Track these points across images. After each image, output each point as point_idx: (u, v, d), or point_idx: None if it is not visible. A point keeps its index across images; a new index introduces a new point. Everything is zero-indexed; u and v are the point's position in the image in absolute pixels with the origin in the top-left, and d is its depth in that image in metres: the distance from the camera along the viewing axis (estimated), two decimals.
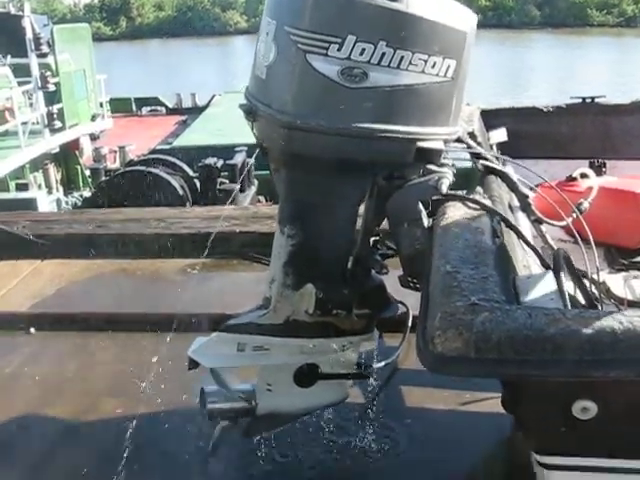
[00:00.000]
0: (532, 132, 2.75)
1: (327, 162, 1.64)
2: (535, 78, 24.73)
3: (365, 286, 1.92)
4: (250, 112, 1.67)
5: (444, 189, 1.73)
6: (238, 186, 7.41)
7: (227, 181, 7.51)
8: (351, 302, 1.90)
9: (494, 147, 2.58)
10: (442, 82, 1.63)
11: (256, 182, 8.14)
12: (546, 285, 1.32)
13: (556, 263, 1.39)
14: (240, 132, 8.36)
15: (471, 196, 1.72)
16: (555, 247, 1.64)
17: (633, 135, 2.67)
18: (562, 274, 1.34)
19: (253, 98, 1.67)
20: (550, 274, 1.36)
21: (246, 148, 7.94)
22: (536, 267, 1.59)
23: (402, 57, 1.55)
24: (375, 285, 1.95)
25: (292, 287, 1.86)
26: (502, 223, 1.55)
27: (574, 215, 1.97)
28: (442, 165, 1.76)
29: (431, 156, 1.70)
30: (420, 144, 1.66)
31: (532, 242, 1.58)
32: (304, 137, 1.59)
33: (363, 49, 1.53)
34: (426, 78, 1.60)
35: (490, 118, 2.72)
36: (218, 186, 7.37)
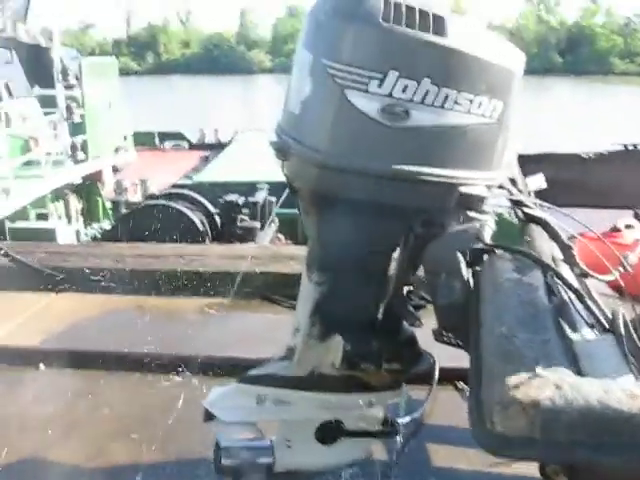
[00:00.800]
0: (571, 179, 2.61)
1: (362, 205, 1.52)
2: (557, 123, 24.56)
3: (396, 339, 1.78)
4: (281, 149, 1.56)
5: (486, 238, 1.62)
6: (259, 224, 7.34)
7: (247, 218, 7.43)
8: (381, 356, 1.76)
9: (532, 194, 2.46)
10: (488, 124, 1.51)
11: (277, 220, 8.08)
12: (607, 350, 1.18)
13: (616, 325, 1.25)
14: (262, 169, 8.35)
15: (518, 247, 1.59)
16: (604, 304, 1.51)
17: None
18: (624, 338, 1.20)
19: (285, 134, 1.56)
20: (611, 337, 1.22)
21: (267, 186, 7.88)
22: (587, 328, 1.45)
23: (447, 96, 1.44)
24: (406, 338, 1.82)
25: (318, 338, 1.72)
26: (555, 278, 1.41)
27: (621, 269, 1.84)
28: (483, 212, 1.64)
29: (473, 202, 1.58)
30: (463, 189, 1.54)
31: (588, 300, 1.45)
32: (338, 178, 1.48)
33: (406, 86, 1.42)
34: (471, 119, 1.49)
35: (527, 163, 2.59)
36: (239, 223, 7.30)
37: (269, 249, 4.24)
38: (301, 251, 3.86)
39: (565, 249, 1.79)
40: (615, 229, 2.11)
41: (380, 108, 1.43)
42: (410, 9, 1.41)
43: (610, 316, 1.31)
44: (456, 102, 1.45)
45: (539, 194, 2.56)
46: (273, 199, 7.83)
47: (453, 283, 1.59)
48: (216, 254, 3.93)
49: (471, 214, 1.61)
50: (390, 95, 1.42)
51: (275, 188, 7.66)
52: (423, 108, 1.44)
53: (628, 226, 2.13)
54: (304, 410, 1.79)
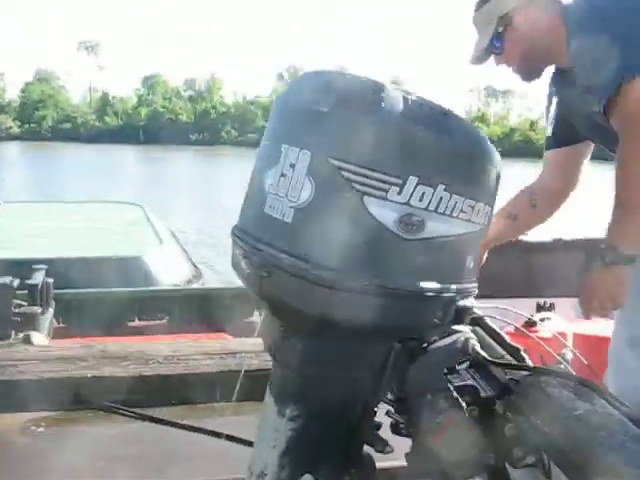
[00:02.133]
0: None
1: (361, 328, 1.31)
2: None
3: (363, 466, 1.56)
4: (265, 264, 1.29)
5: (474, 350, 1.50)
6: (39, 308, 6.49)
7: (25, 303, 6.54)
8: None
9: None
10: (482, 230, 1.41)
11: (53, 303, 7.24)
12: None
13: None
14: (33, 246, 7.50)
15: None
16: None
17: (560, 273, 2.68)
18: None
19: (266, 245, 1.30)
20: None
21: (45, 266, 7.06)
22: None
23: (455, 203, 1.31)
24: (370, 465, 1.60)
25: None
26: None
27: (562, 366, 1.83)
28: (464, 324, 1.52)
29: (465, 315, 1.45)
30: (462, 303, 1.40)
31: None
32: (346, 299, 1.25)
33: (423, 193, 1.26)
34: (472, 227, 1.37)
35: None
36: (14, 309, 6.38)
37: (93, 347, 3.68)
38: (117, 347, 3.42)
39: (514, 352, 1.73)
40: (530, 322, 2.12)
41: (398, 218, 1.24)
42: (431, 107, 1.26)
43: None
44: (462, 210, 1.33)
45: None
46: (51, 280, 7.03)
47: (439, 403, 1.44)
48: (33, 357, 3.31)
49: (456, 327, 1.48)
50: (408, 203, 1.25)
51: (53, 267, 6.90)
52: (437, 218, 1.29)
53: (542, 319, 2.15)
54: None
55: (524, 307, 2.24)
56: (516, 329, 2.12)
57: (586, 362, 1.69)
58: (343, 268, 1.22)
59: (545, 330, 2.05)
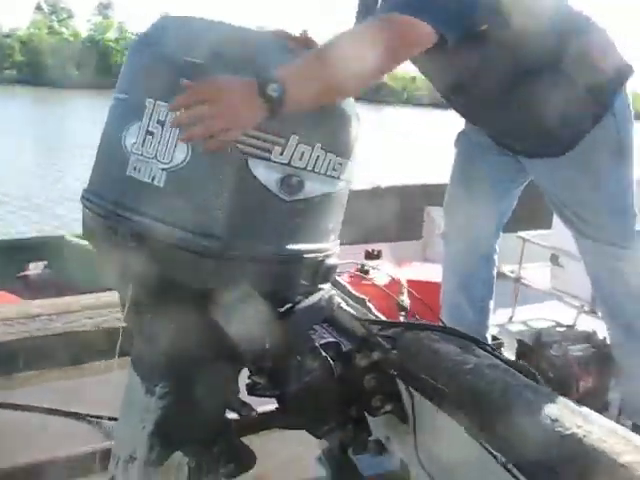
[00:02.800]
0: None
1: (237, 297, 1.24)
2: None
3: (229, 436, 1.51)
4: (134, 233, 1.15)
5: (338, 307, 1.50)
6: None
7: None
8: (219, 460, 1.47)
9: None
10: (347, 188, 1.39)
11: None
12: None
13: None
14: None
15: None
16: None
17: (381, 219, 2.75)
18: None
19: (133, 212, 1.15)
20: None
21: None
22: None
23: (330, 162, 1.27)
24: (230, 432, 1.55)
25: (157, 463, 1.34)
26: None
27: (402, 314, 1.92)
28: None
29: (331, 274, 1.43)
30: (330, 261, 1.38)
31: None
32: (233, 268, 1.17)
33: (303, 152, 1.20)
34: (341, 185, 1.35)
35: None
36: None
37: None
38: None
39: (360, 303, 1.78)
40: (364, 270, 2.16)
41: (279, 179, 1.18)
42: None
43: None
44: (334, 168, 1.30)
45: None
46: None
47: (310, 363, 1.44)
48: None
49: (321, 286, 1.47)
50: (289, 164, 1.19)
51: None
52: (315, 177, 1.25)
53: (373, 267, 2.20)
54: None
55: (352, 255, 2.30)
56: (353, 277, 2.17)
57: (427, 306, 1.78)
58: (230, 236, 1.13)
59: (380, 277, 2.11)
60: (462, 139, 2.10)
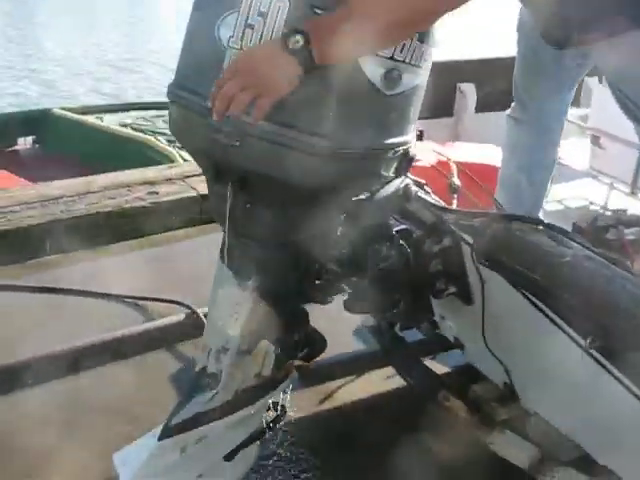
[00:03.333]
0: None
1: (327, 190, 1.23)
2: None
3: (306, 324, 1.56)
4: (235, 134, 1.12)
5: (415, 195, 1.52)
6: None
7: None
8: (298, 347, 1.53)
9: None
10: (426, 77, 1.36)
11: None
12: None
13: None
14: None
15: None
16: None
17: None
18: None
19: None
20: None
21: None
22: None
23: (423, 52, 1.24)
24: (307, 320, 1.60)
25: (247, 351, 1.39)
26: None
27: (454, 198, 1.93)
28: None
29: (410, 165, 1.43)
30: (412, 152, 1.38)
31: None
32: (338, 167, 1.15)
33: (404, 44, 1.16)
34: (426, 75, 1.32)
35: None
36: None
37: None
38: None
39: (420, 187, 1.78)
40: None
41: (383, 74, 1.14)
42: None
43: None
44: (424, 59, 1.26)
45: None
46: None
47: (388, 249, 1.47)
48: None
49: (398, 178, 1.46)
50: (392, 57, 1.15)
51: None
52: (410, 70, 1.22)
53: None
54: (225, 439, 1.46)
55: None
56: None
57: (482, 186, 1.79)
58: (337, 134, 1.11)
59: (428, 158, 2.09)
60: (526, 26, 2.01)
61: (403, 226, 1.55)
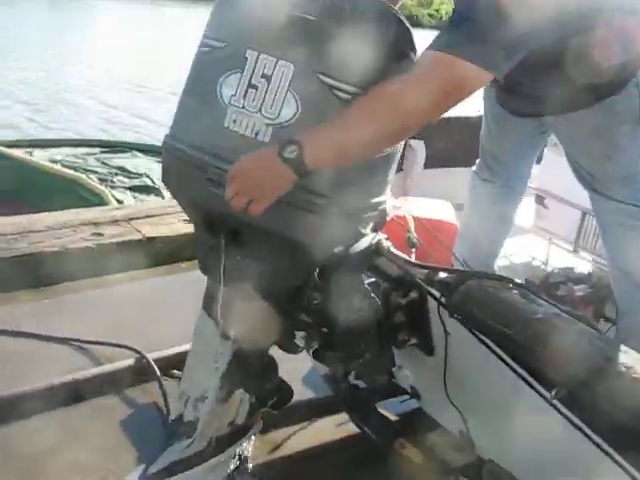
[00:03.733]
0: None
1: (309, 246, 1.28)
2: None
3: (276, 373, 1.59)
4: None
5: (387, 251, 1.58)
6: None
7: None
8: (268, 395, 1.55)
9: None
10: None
11: None
12: None
13: None
14: None
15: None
16: None
17: None
18: None
19: (225, 163, 1.15)
20: None
21: None
22: None
23: None
24: (277, 369, 1.63)
25: (224, 400, 1.41)
26: None
27: (412, 252, 2.00)
28: None
29: (385, 221, 1.50)
30: (387, 210, 1.44)
31: None
32: (330, 223, 1.20)
33: None
34: None
35: None
36: None
37: None
38: None
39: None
40: None
41: None
42: None
43: None
44: None
45: None
46: None
47: (359, 301, 1.52)
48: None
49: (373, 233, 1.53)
50: None
51: None
52: None
53: None
54: None
55: None
56: None
57: (440, 241, 1.87)
58: (332, 194, 1.17)
59: None
60: (490, 92, 2.08)
61: (373, 279, 1.61)
